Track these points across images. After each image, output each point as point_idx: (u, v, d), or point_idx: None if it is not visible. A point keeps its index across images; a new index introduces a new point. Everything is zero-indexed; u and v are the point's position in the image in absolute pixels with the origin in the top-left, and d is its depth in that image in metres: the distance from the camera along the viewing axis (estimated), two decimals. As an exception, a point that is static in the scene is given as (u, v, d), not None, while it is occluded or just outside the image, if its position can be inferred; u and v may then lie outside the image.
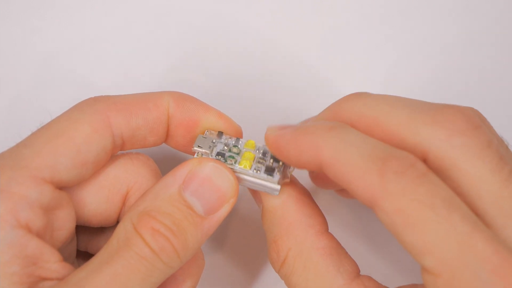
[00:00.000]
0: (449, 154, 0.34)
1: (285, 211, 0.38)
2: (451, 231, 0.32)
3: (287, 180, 0.39)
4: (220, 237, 0.49)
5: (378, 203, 0.33)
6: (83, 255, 0.43)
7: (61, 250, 0.39)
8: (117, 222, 0.41)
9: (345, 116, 0.38)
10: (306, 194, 0.39)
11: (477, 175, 0.34)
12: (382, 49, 0.52)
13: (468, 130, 0.34)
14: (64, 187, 0.38)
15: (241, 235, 0.49)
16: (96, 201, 0.39)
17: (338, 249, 0.37)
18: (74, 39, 0.51)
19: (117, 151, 0.40)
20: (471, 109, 0.36)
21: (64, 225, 0.38)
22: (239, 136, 0.41)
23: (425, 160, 0.35)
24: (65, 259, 0.38)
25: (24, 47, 0.50)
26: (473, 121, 0.35)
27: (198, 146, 0.39)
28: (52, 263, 0.35)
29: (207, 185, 0.37)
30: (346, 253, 0.38)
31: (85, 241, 0.43)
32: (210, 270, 0.48)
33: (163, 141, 0.41)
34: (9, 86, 0.50)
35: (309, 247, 0.37)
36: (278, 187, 0.38)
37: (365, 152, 0.34)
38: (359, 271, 0.37)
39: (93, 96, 0.40)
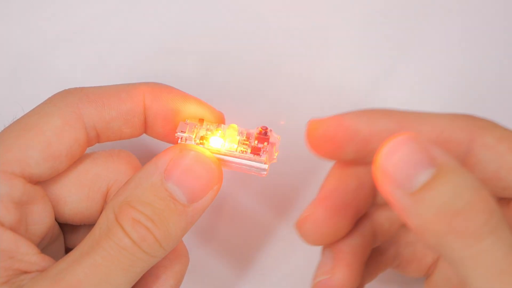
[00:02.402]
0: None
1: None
2: None
3: (274, 160, 0.39)
4: (207, 232, 0.49)
5: (477, 139, 0.37)
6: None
7: (47, 246, 0.39)
8: None
9: None
10: None
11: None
12: (379, 44, 0.52)
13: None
14: (38, 181, 0.38)
15: (228, 230, 0.49)
16: (77, 199, 0.39)
17: None
18: (51, 32, 0.50)
19: (92, 143, 0.40)
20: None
21: (40, 219, 0.38)
22: (221, 123, 0.40)
23: None
24: (53, 256, 0.38)
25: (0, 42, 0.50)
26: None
27: (181, 131, 0.39)
28: (31, 255, 0.35)
29: (189, 174, 0.36)
30: None
31: (73, 238, 0.42)
32: (196, 266, 0.47)
33: (142, 132, 0.41)
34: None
35: None
36: (266, 166, 0.38)
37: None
38: None
39: (65, 89, 0.39)
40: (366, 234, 0.40)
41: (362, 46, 0.51)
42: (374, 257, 0.43)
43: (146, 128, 0.40)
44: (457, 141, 0.37)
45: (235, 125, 0.39)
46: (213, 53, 0.50)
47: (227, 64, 0.50)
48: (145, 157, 0.43)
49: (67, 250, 0.42)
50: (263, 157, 0.38)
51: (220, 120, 0.40)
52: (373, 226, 0.41)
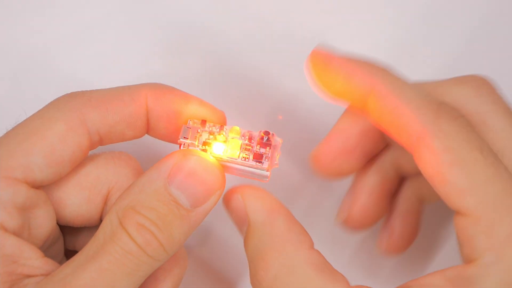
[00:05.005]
0: (480, 110, 0.37)
1: (275, 227, 0.37)
2: (498, 176, 0.33)
3: (276, 165, 0.39)
4: (204, 232, 0.49)
5: (427, 140, 0.34)
6: (71, 254, 0.41)
7: (47, 249, 0.39)
8: (100, 221, 0.41)
9: None
10: (289, 212, 0.39)
11: (504, 132, 0.36)
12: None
13: (493, 90, 0.38)
14: (40, 186, 0.38)
15: (226, 230, 0.49)
16: (77, 202, 0.39)
17: (327, 264, 0.37)
18: (55, 33, 0.50)
19: (95, 147, 0.40)
20: (485, 77, 0.39)
21: (43, 223, 0.38)
22: (223, 122, 0.40)
23: None
24: (53, 258, 0.38)
25: (2, 43, 0.50)
26: (492, 85, 0.38)
27: (184, 137, 0.39)
28: (34, 259, 0.35)
29: (192, 178, 0.37)
30: (333, 267, 0.37)
31: (73, 240, 0.42)
32: (193, 267, 0.48)
33: (144, 133, 0.41)
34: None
35: (303, 262, 0.36)
36: (268, 173, 0.38)
37: (422, 92, 0.36)
38: (349, 283, 0.37)
39: (68, 93, 0.39)
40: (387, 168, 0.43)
41: (367, 48, 0.50)
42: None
43: (148, 129, 0.40)
44: (410, 132, 0.36)
45: (237, 128, 0.39)
46: (214, 53, 0.50)
47: (228, 64, 0.50)
48: (147, 157, 0.43)
49: (67, 252, 0.42)
50: (265, 164, 0.38)
51: (221, 120, 0.40)
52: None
